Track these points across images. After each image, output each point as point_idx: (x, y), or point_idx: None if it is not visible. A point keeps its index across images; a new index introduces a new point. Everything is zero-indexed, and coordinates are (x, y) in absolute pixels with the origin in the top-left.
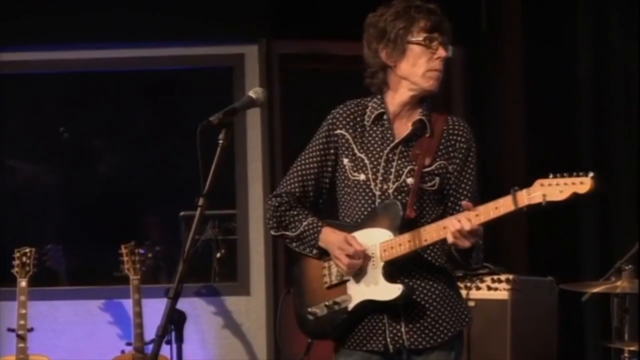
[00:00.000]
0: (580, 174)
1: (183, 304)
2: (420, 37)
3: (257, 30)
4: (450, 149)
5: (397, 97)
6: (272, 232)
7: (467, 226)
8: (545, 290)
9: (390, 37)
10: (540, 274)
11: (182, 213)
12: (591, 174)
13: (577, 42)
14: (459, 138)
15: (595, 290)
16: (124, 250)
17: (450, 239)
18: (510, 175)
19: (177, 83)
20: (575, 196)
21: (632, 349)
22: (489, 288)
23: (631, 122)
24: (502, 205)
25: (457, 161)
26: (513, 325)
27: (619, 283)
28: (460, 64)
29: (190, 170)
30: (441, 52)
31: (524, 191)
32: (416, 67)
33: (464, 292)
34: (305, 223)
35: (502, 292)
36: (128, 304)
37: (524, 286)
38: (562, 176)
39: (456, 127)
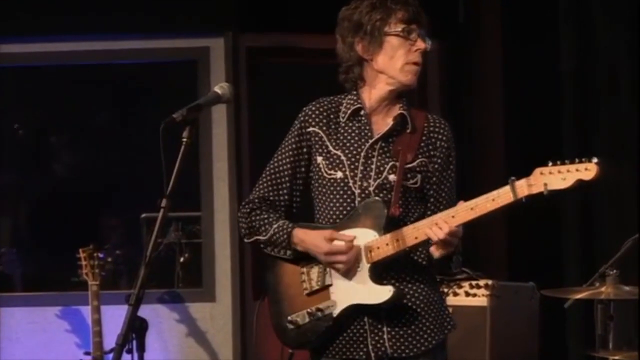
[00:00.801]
0: (584, 159)
1: (145, 311)
2: (398, 28)
3: (224, 22)
4: (431, 147)
5: (374, 92)
6: (246, 240)
7: (446, 229)
8: (526, 296)
9: (366, 29)
10: (521, 279)
11: (143, 215)
12: (595, 160)
13: (560, 35)
14: (440, 137)
15: (579, 296)
16: (82, 255)
17: (432, 249)
18: (489, 176)
19: (138, 78)
20: (579, 184)
21: (616, 358)
22: (467, 294)
23: (616, 120)
24: (500, 197)
25: (439, 161)
26: (492, 333)
27: (603, 289)
28: (437, 58)
29: (152, 170)
30: (420, 44)
31: (523, 181)
32: (394, 60)
33: None
34: (275, 225)
35: (481, 299)
36: (86, 311)
37: (503, 292)
38: (563, 163)
39: (437, 125)
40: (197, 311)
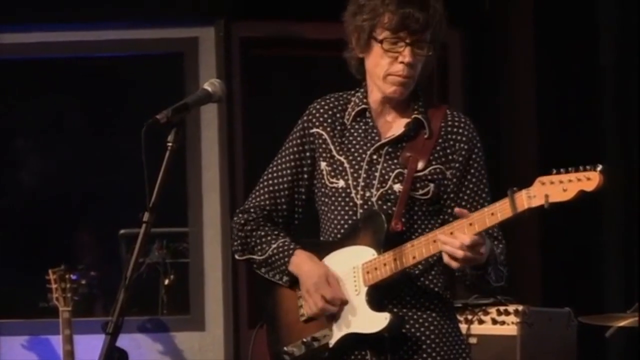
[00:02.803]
0: (587, 167)
1: (124, 341)
2: (380, 36)
3: (214, 9)
4: (448, 150)
5: (373, 93)
6: (237, 257)
7: (465, 240)
8: (562, 323)
9: (359, 24)
10: (556, 305)
11: (122, 231)
12: (600, 167)
13: (598, 25)
14: (458, 137)
15: (622, 324)
16: (52, 276)
17: (445, 259)
18: (520, 182)
19: (117, 73)
20: (582, 195)
21: None
22: (495, 322)
23: None
24: (499, 211)
25: (457, 165)
26: None
27: None
28: (459, 51)
29: (133, 179)
30: (405, 56)
31: (523, 192)
32: (378, 68)
33: (464, 327)
34: (274, 245)
35: (510, 327)
36: (57, 341)
37: (536, 319)
38: (567, 171)
39: (456, 123)
40: (184, 341)
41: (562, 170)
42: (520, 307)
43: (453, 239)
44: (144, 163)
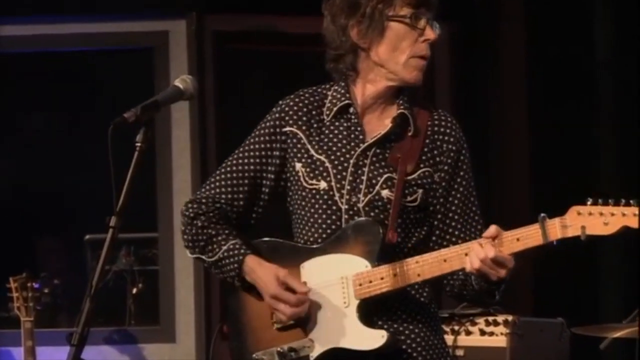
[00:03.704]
0: (632, 202)
1: (90, 353)
2: (404, 13)
3: (185, 1)
4: (436, 152)
5: (369, 87)
6: (189, 253)
7: (490, 253)
8: (554, 334)
9: (365, 11)
10: (548, 315)
11: (87, 236)
12: None
13: (594, 21)
14: (446, 138)
15: (617, 335)
16: (12, 284)
17: (468, 266)
18: (511, 184)
19: (82, 69)
20: (624, 230)
21: None
22: (483, 332)
23: None
24: (527, 237)
25: (445, 167)
26: None
27: None
28: (447, 45)
29: (99, 182)
30: (429, 33)
31: (557, 221)
32: (397, 52)
33: (450, 338)
34: (225, 247)
35: (499, 338)
36: (19, 353)
37: (527, 330)
38: (606, 203)
39: (443, 123)
40: (154, 353)
41: (600, 201)
42: (510, 317)
43: (479, 248)
44: (111, 164)
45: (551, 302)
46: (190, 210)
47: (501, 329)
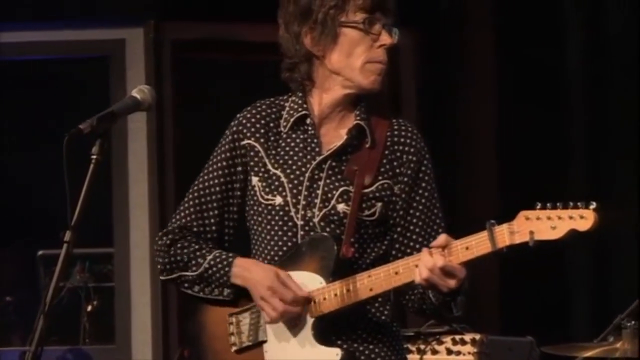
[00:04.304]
0: (579, 204)
1: None
2: (357, 18)
3: (142, 8)
4: (395, 163)
5: (326, 96)
6: (163, 277)
7: (439, 262)
8: (523, 354)
9: (317, 17)
10: (517, 333)
11: (40, 252)
12: (593, 205)
13: (565, 25)
14: (406, 148)
15: (588, 354)
16: None
17: (417, 278)
18: (477, 195)
19: (35, 78)
20: (572, 233)
21: None
22: (450, 352)
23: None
24: (476, 246)
25: (405, 179)
26: None
27: (618, 345)
28: (412, 52)
29: (53, 195)
30: (385, 39)
31: (505, 227)
32: (352, 58)
33: (416, 357)
34: (210, 257)
35: (466, 357)
36: None
37: (495, 349)
38: (554, 207)
39: (403, 133)
40: None
41: (548, 205)
42: (477, 336)
43: (428, 257)
44: (66, 177)
45: (520, 320)
46: (165, 239)
47: (468, 348)
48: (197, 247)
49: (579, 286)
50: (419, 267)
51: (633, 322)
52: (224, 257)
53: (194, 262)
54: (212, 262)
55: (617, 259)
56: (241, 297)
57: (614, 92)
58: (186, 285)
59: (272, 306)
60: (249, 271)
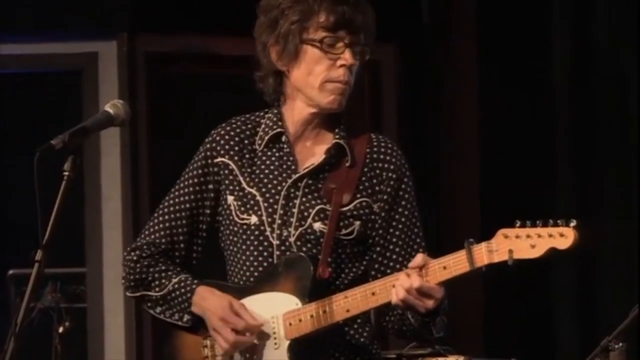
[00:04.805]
0: (559, 222)
1: None
2: (317, 37)
3: (116, 21)
4: (375, 180)
5: (296, 113)
6: (129, 293)
7: (416, 282)
8: None
9: (280, 31)
10: (501, 355)
11: (11, 271)
12: (573, 223)
13: (550, 40)
14: (386, 165)
15: None
16: None
17: (394, 298)
18: (461, 215)
19: (6, 93)
20: (552, 252)
21: None
22: None
23: (628, 146)
24: (454, 265)
25: (385, 197)
26: None
27: None
28: (394, 67)
29: (23, 213)
30: (347, 58)
31: (483, 246)
32: (312, 77)
33: None
34: (175, 280)
35: None
36: None
37: None
38: (534, 225)
39: (382, 149)
40: None
41: (528, 223)
42: (460, 358)
43: (405, 278)
44: (37, 194)
45: (504, 341)
46: (133, 255)
47: None
48: (163, 267)
49: (565, 307)
50: (396, 287)
51: (621, 344)
52: (188, 282)
53: (158, 282)
54: (176, 286)
55: (604, 278)
56: (202, 323)
57: (600, 101)
58: (149, 304)
59: (224, 337)
60: (205, 300)
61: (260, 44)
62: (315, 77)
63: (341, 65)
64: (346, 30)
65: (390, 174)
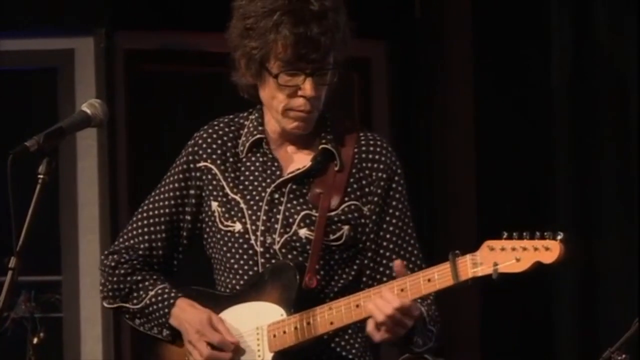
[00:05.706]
0: (546, 234)
1: None
2: (274, 70)
3: (93, 17)
4: (364, 181)
5: (271, 121)
6: (106, 304)
7: (394, 302)
8: None
9: (245, 50)
10: None
11: None
12: (560, 236)
13: (550, 39)
14: (375, 165)
15: None
16: None
17: (369, 328)
18: (457, 216)
19: None
20: (538, 266)
21: None
22: None
23: (628, 154)
24: (438, 278)
25: (375, 198)
26: None
27: None
28: (385, 65)
29: None
30: (306, 89)
31: (468, 258)
32: (275, 102)
33: None
34: (152, 292)
35: None
36: None
37: None
38: (521, 237)
39: (371, 148)
40: None
41: (515, 235)
42: None
43: (379, 299)
44: (10, 199)
45: (500, 351)
46: (111, 259)
47: None
48: (140, 277)
49: (565, 318)
50: (374, 316)
51: (624, 356)
52: (166, 295)
53: (135, 294)
54: (153, 300)
55: (605, 289)
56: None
57: (598, 105)
58: (127, 316)
59: (199, 350)
60: (184, 312)
61: (232, 48)
62: (278, 102)
63: (301, 96)
64: (307, 59)
65: (380, 174)
